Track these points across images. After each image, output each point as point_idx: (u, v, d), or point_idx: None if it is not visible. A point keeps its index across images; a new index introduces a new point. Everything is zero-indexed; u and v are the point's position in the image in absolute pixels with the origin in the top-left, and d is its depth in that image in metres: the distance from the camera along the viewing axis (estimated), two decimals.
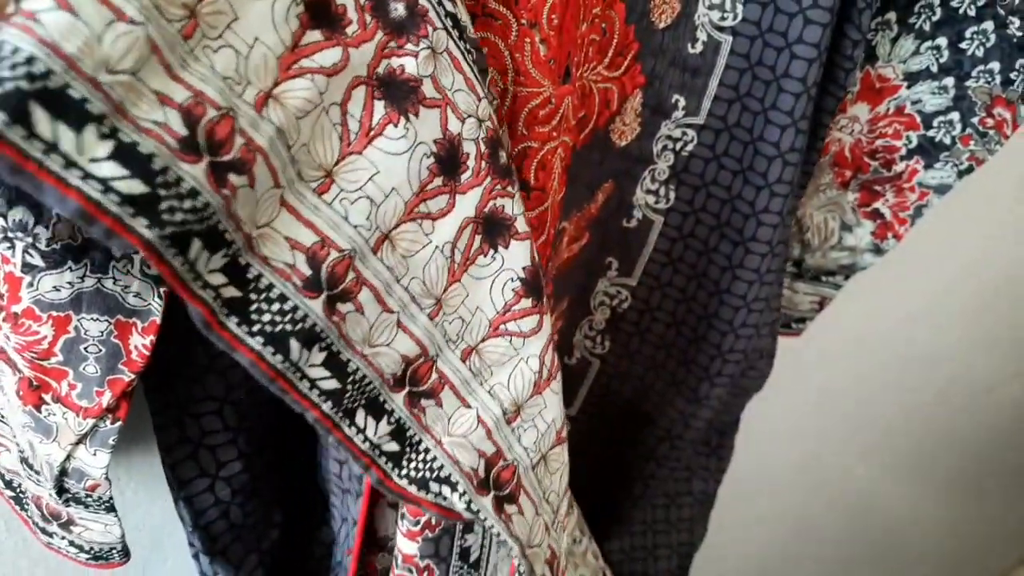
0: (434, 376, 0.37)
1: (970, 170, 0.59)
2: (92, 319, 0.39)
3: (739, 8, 0.47)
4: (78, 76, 0.23)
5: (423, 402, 0.37)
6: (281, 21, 0.29)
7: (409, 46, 0.32)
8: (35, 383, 0.40)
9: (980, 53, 0.54)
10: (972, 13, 0.53)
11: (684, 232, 0.53)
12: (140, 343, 0.40)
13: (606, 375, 0.60)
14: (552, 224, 0.48)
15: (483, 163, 0.35)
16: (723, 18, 0.48)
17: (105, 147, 0.24)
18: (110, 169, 0.24)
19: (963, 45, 0.54)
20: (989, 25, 0.53)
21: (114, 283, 0.38)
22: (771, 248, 0.51)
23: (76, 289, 0.37)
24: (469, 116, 0.34)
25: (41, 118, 0.23)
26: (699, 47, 0.48)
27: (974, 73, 0.55)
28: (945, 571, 1.39)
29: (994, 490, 1.30)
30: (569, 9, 0.41)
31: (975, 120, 0.56)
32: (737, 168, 0.50)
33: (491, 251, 0.36)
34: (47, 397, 0.41)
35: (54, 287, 0.37)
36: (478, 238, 0.36)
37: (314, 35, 0.30)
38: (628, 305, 0.56)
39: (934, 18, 0.54)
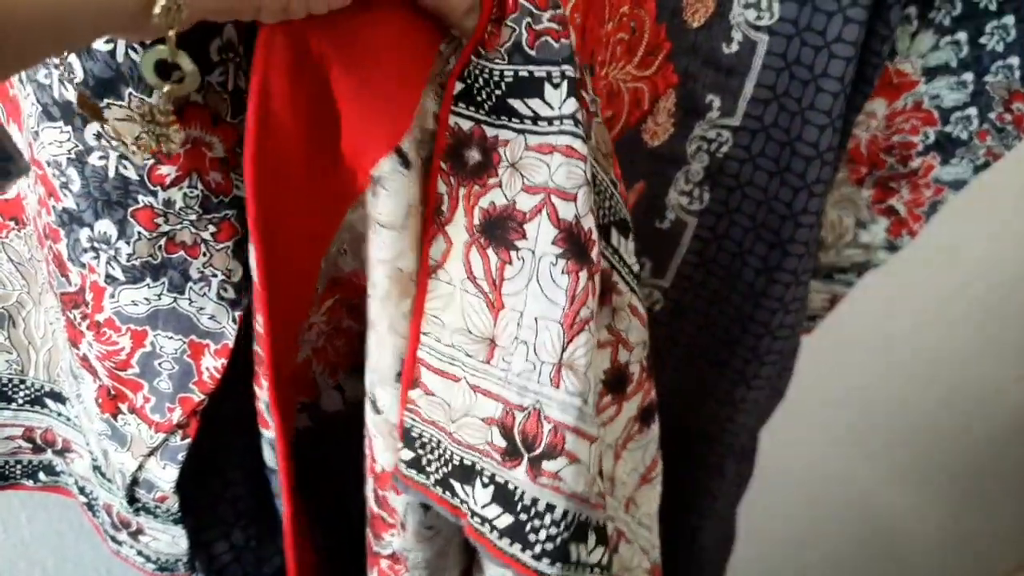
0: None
1: (986, 165, 0.59)
2: (167, 336, 0.39)
3: (776, 7, 0.46)
4: (589, 507, 0.32)
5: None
6: None
7: (491, 180, 0.33)
8: (113, 392, 0.41)
9: (1000, 48, 0.54)
10: (993, 8, 0.53)
11: (718, 233, 0.52)
12: (212, 365, 0.40)
13: None
14: None
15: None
16: (759, 17, 0.47)
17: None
18: None
19: (983, 40, 0.54)
20: (1010, 20, 0.53)
21: (190, 304, 0.38)
22: (807, 249, 0.50)
23: (153, 306, 0.37)
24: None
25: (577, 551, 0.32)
26: (734, 47, 0.47)
27: (993, 68, 0.55)
28: (947, 575, 1.42)
29: (997, 494, 1.32)
30: (593, 8, 0.40)
31: (992, 115, 0.56)
32: (774, 169, 0.49)
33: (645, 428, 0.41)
34: (123, 407, 0.41)
35: (132, 301, 0.37)
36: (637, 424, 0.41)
37: None
38: (660, 307, 0.55)
39: (954, 12, 0.54)
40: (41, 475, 0.55)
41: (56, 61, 0.30)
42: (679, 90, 0.48)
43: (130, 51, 0.30)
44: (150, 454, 0.42)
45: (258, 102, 0.31)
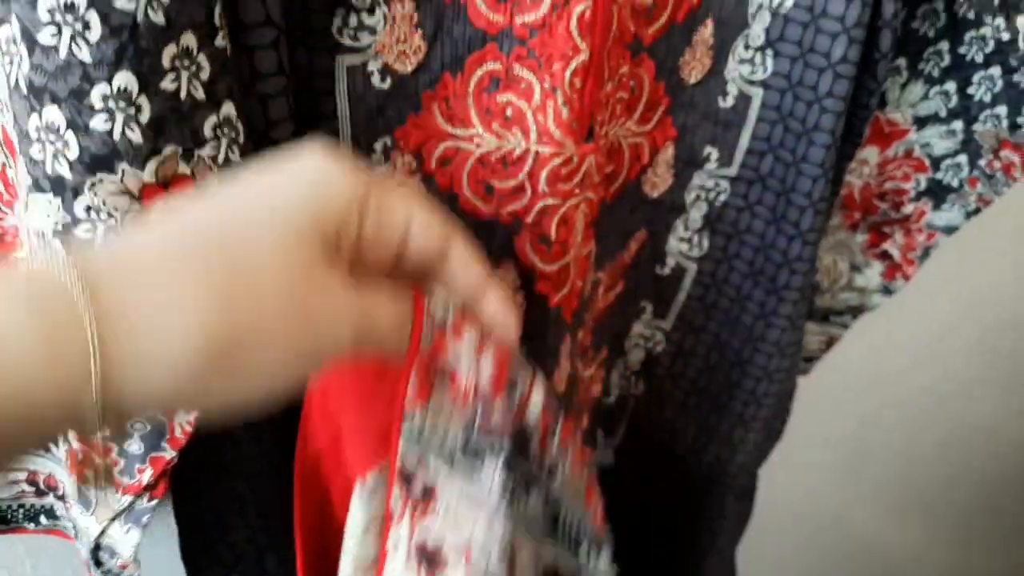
0: None
1: (977, 211, 0.60)
2: None
3: (769, 62, 0.48)
4: None
5: None
6: None
7: (431, 508, 0.36)
8: (80, 456, 0.40)
9: (987, 98, 0.56)
10: (980, 60, 0.55)
11: (718, 279, 0.53)
12: (184, 419, 0.39)
13: (638, 416, 0.60)
14: (578, 276, 0.48)
15: None
16: (753, 72, 0.48)
17: None
18: None
19: (971, 90, 0.56)
20: (996, 71, 0.55)
21: None
22: (802, 295, 0.52)
23: None
24: None
25: None
26: (730, 100, 0.49)
27: (981, 117, 0.56)
28: None
29: (999, 532, 1.32)
30: (592, 71, 0.41)
31: (982, 163, 0.58)
32: (770, 218, 0.50)
33: None
34: (88, 473, 0.41)
35: None
36: None
37: None
38: (662, 349, 0.56)
39: (943, 64, 0.56)
40: (42, 518, 0.55)
41: (52, 137, 0.31)
42: (678, 143, 0.50)
43: (126, 130, 0.31)
44: (114, 518, 0.42)
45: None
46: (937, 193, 0.60)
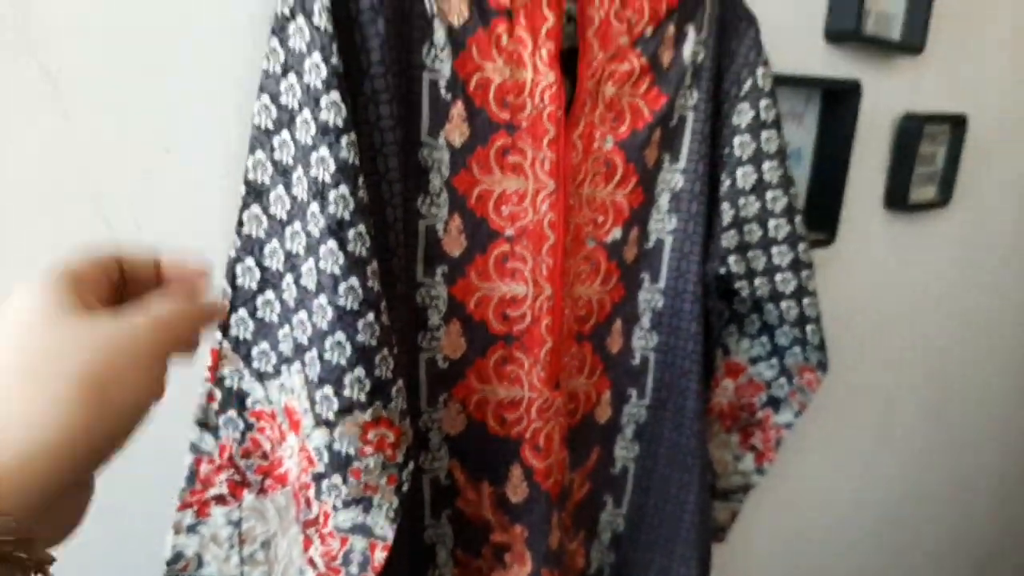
0: None
1: (802, 410, 0.95)
2: (358, 539, 0.64)
3: (655, 337, 0.83)
4: None
5: None
6: None
7: None
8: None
9: (787, 343, 0.93)
10: (777, 322, 0.92)
11: (647, 470, 0.84)
12: (380, 556, 0.65)
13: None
14: (559, 472, 0.78)
15: None
16: (647, 345, 0.84)
17: None
18: None
19: (777, 340, 0.93)
20: (788, 328, 0.92)
21: (370, 519, 0.64)
22: (703, 476, 0.83)
23: (353, 522, 0.63)
24: None
25: None
26: (638, 361, 0.83)
27: (787, 355, 0.93)
28: None
29: None
30: (555, 354, 0.75)
31: (795, 381, 0.94)
32: (672, 427, 0.83)
33: None
34: None
35: (344, 519, 0.63)
36: None
37: None
38: (623, 529, 0.85)
39: (756, 327, 0.93)
40: None
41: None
42: (612, 389, 0.83)
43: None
44: None
45: None
46: (774, 403, 0.95)
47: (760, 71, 0.76)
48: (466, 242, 0.71)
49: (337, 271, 0.59)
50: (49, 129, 0.61)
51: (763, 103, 0.77)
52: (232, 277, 0.63)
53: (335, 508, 0.63)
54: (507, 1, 0.65)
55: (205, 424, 0.64)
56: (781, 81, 0.94)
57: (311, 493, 0.63)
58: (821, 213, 1.11)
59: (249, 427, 0.65)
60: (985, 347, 1.56)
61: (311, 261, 0.60)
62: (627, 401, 0.84)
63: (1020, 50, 1.36)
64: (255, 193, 0.61)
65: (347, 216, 0.59)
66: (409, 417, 0.66)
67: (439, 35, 0.64)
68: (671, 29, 0.73)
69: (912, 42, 1.11)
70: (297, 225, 0.61)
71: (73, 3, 0.60)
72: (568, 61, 0.70)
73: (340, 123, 0.58)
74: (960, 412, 1.58)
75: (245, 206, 0.61)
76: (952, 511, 1.64)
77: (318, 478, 0.62)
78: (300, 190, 0.60)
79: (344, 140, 0.58)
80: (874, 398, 1.40)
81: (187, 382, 0.55)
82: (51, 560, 0.29)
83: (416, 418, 0.74)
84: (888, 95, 1.16)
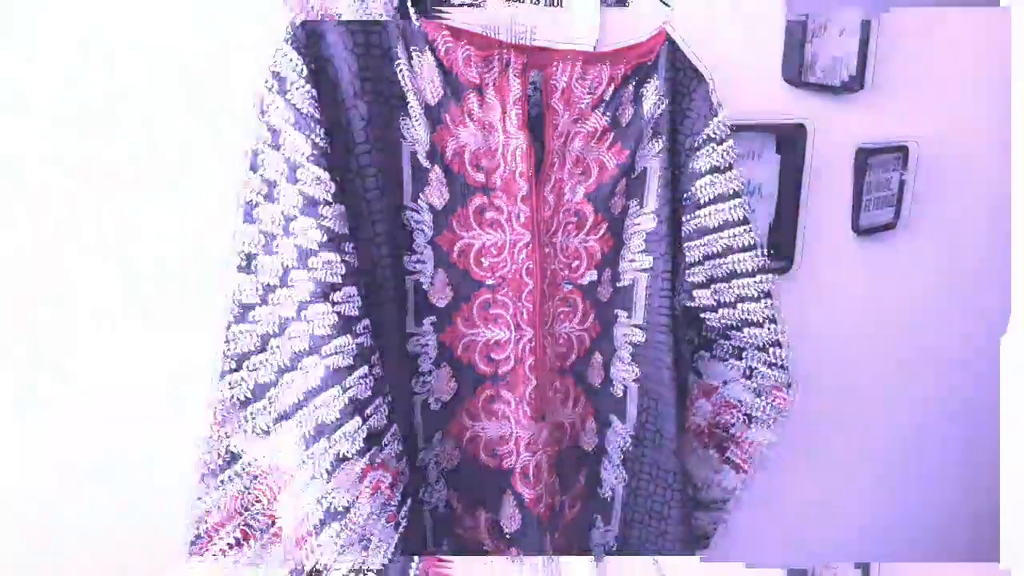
0: None
1: (773, 427, 1.02)
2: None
3: (635, 369, 0.90)
4: None
5: None
6: None
7: None
8: None
9: (756, 365, 0.99)
10: (743, 346, 0.98)
11: (634, 490, 0.91)
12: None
13: None
14: (548, 496, 0.84)
15: None
16: (626, 376, 0.90)
17: None
18: None
19: (746, 361, 0.99)
20: (754, 351, 0.99)
21: None
22: (683, 491, 0.90)
23: None
24: None
25: None
26: (619, 392, 0.90)
27: (754, 376, 1.00)
28: None
29: None
30: (539, 389, 0.82)
31: (766, 399, 1.00)
32: (652, 446, 0.90)
33: None
34: None
35: None
36: None
37: None
38: (614, 548, 0.92)
39: (726, 350, 1.00)
40: None
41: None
42: (596, 418, 0.90)
43: None
44: None
45: None
46: (748, 420, 1.01)
47: (713, 122, 0.83)
48: (451, 293, 0.78)
49: (328, 331, 0.65)
50: None
51: (719, 150, 0.84)
52: (228, 339, 0.68)
53: (334, 553, 0.68)
54: (477, 78, 0.72)
55: (207, 479, 0.69)
56: (737, 127, 1.01)
57: (310, 544, 0.69)
58: (783, 241, 1.19)
59: (250, 481, 0.70)
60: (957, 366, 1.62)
61: (302, 322, 0.66)
62: (610, 426, 0.91)
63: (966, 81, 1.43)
64: (247, 261, 0.67)
65: (336, 279, 0.65)
66: (406, 458, 0.72)
67: (416, 111, 0.71)
68: (629, 91, 0.80)
69: (859, 81, 1.19)
70: (285, 290, 0.66)
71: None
72: (536, 125, 0.77)
73: (324, 196, 0.64)
74: (930, 427, 1.64)
75: (239, 270, 0.67)
76: (925, 527, 1.71)
77: (316, 528, 0.68)
78: (288, 257, 0.66)
79: (328, 211, 0.64)
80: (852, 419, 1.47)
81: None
82: None
83: (414, 456, 0.80)
84: (841, 130, 1.24)
